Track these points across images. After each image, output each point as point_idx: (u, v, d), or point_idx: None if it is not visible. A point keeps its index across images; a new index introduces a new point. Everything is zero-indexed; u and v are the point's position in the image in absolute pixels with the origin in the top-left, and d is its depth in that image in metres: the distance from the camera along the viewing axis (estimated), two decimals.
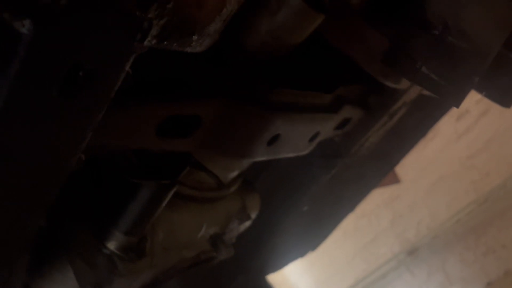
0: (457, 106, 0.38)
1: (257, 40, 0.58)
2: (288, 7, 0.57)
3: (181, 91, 0.45)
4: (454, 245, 2.40)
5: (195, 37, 0.36)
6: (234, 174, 0.69)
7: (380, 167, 1.39)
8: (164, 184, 0.54)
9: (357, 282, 2.71)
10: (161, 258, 0.64)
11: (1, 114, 0.29)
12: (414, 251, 2.50)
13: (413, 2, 0.44)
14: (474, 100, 2.18)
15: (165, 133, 0.48)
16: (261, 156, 0.60)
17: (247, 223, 0.81)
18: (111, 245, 0.57)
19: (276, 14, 0.57)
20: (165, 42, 0.34)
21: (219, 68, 0.50)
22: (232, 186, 0.74)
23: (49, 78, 0.30)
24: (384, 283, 2.60)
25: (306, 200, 1.02)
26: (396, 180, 2.25)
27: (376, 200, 2.57)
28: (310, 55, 0.73)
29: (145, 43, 0.33)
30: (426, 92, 0.96)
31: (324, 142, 0.87)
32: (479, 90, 0.42)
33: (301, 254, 1.53)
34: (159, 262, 0.64)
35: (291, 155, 0.67)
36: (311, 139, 0.68)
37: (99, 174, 0.58)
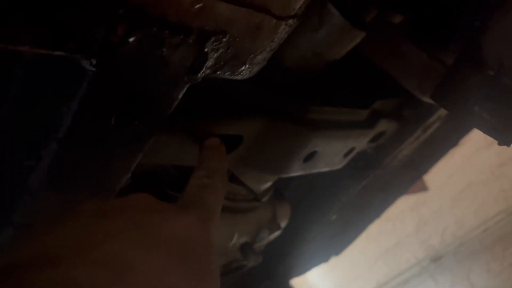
0: (508, 145, 0.37)
1: (297, 56, 0.59)
2: (330, 24, 0.57)
3: (225, 112, 0.46)
4: (480, 254, 2.36)
5: (245, 67, 0.36)
6: (267, 186, 0.70)
7: (409, 176, 1.38)
8: None
9: (379, 287, 2.68)
10: None
11: (64, 140, 0.31)
12: (438, 258, 2.47)
13: (466, 39, 0.44)
14: None
15: None
16: (296, 172, 0.61)
17: (277, 233, 0.82)
18: None
19: (317, 31, 0.57)
20: (218, 72, 0.35)
21: (260, 88, 0.51)
22: (264, 197, 0.75)
23: (108, 109, 0.31)
24: None
25: (335, 210, 1.02)
26: (424, 188, 2.22)
27: (401, 205, 2.54)
28: (347, 69, 0.73)
29: (199, 74, 0.33)
30: None
31: (356, 154, 0.87)
32: None
33: (325, 259, 1.53)
34: None
35: (325, 169, 0.67)
36: (346, 154, 0.68)
37: (138, 187, 0.60)
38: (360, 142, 0.68)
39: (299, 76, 0.60)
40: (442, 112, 0.89)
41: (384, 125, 0.77)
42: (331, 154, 0.63)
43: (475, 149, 2.35)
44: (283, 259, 1.18)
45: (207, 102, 0.45)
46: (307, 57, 0.59)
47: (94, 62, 0.27)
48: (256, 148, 0.52)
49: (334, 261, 1.57)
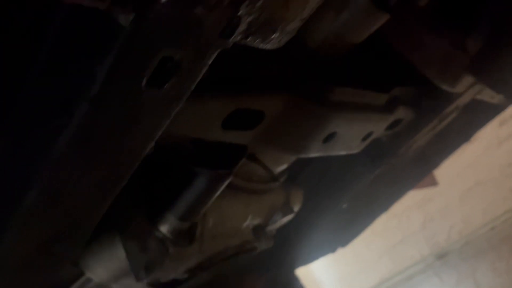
0: None
1: (320, 38, 0.58)
2: (354, 6, 0.57)
3: (249, 86, 0.46)
4: (486, 253, 2.35)
5: (276, 35, 0.36)
6: (283, 167, 0.70)
7: (419, 169, 1.37)
8: (222, 174, 0.55)
9: (382, 282, 2.68)
10: (209, 245, 0.65)
11: (96, 100, 0.31)
12: (444, 255, 2.46)
13: (497, 17, 0.43)
14: None
15: (229, 125, 0.48)
16: (314, 152, 0.61)
17: (290, 217, 0.82)
18: (164, 229, 0.59)
19: (341, 12, 0.57)
20: (249, 39, 0.34)
21: (283, 66, 0.50)
22: (278, 180, 0.75)
23: (140, 69, 0.31)
24: (410, 285, 2.57)
25: (347, 198, 1.02)
26: (433, 182, 2.21)
27: (407, 202, 2.53)
28: (367, 55, 0.73)
29: (231, 39, 0.33)
30: (478, 97, 0.94)
31: (371, 142, 0.86)
32: None
33: (332, 249, 1.53)
34: (207, 248, 0.65)
35: (342, 153, 0.67)
36: (364, 139, 0.68)
37: (158, 160, 0.60)
38: (379, 127, 0.68)
39: (322, 57, 0.59)
40: (460, 102, 0.88)
41: (402, 112, 0.77)
42: (350, 136, 0.63)
43: (485, 147, 2.34)
44: (291, 247, 1.18)
45: (233, 75, 0.45)
46: (329, 39, 0.59)
47: (130, 18, 0.27)
48: (278, 126, 0.52)
49: (338, 254, 1.57)
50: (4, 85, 0.36)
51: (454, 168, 2.35)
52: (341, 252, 1.58)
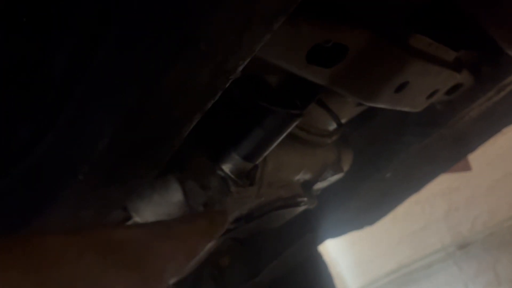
0: None
1: None
2: None
3: (343, 19, 0.45)
4: (509, 246, 2.32)
5: None
6: (343, 121, 0.69)
7: (458, 150, 1.35)
8: (292, 114, 0.54)
9: (400, 268, 2.68)
10: (266, 190, 0.65)
11: None
12: (465, 246, 2.44)
13: None
14: None
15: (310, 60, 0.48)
16: (383, 102, 0.59)
17: (339, 176, 0.81)
18: (227, 168, 0.58)
19: None
20: None
21: (374, 7, 0.49)
22: (333, 136, 0.74)
23: None
24: (429, 273, 2.55)
25: (391, 167, 1.01)
26: (467, 167, 2.18)
27: (433, 189, 2.50)
28: (436, 13, 0.71)
29: None
30: None
31: (425, 109, 0.84)
32: None
33: (359, 226, 1.52)
34: (263, 194, 0.65)
35: (406, 109, 0.66)
36: (429, 97, 0.66)
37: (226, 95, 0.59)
38: (445, 85, 0.67)
39: (399, 5, 0.58)
40: None
41: (464, 77, 0.75)
42: (419, 89, 0.61)
43: None
44: (328, 213, 1.18)
45: (329, 5, 0.44)
46: None
47: None
48: (356, 67, 0.51)
49: (355, 237, 1.55)
50: None
51: (483, 159, 2.31)
52: (358, 235, 1.56)
